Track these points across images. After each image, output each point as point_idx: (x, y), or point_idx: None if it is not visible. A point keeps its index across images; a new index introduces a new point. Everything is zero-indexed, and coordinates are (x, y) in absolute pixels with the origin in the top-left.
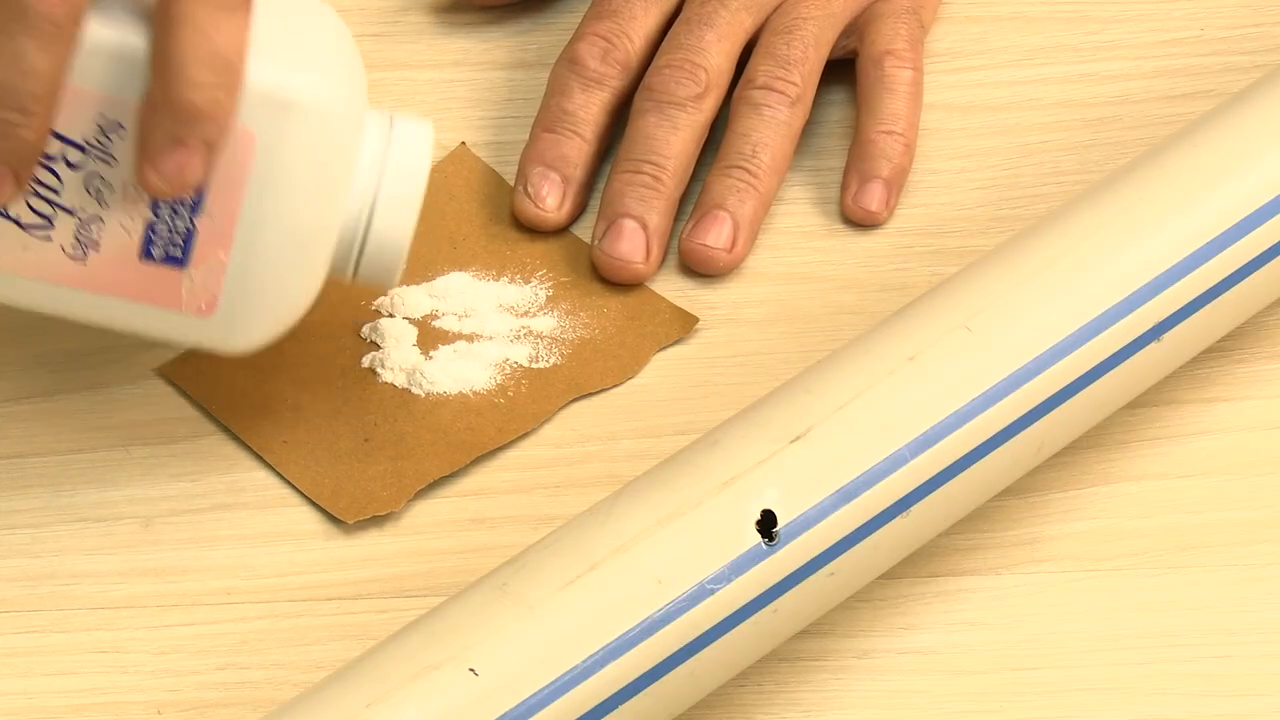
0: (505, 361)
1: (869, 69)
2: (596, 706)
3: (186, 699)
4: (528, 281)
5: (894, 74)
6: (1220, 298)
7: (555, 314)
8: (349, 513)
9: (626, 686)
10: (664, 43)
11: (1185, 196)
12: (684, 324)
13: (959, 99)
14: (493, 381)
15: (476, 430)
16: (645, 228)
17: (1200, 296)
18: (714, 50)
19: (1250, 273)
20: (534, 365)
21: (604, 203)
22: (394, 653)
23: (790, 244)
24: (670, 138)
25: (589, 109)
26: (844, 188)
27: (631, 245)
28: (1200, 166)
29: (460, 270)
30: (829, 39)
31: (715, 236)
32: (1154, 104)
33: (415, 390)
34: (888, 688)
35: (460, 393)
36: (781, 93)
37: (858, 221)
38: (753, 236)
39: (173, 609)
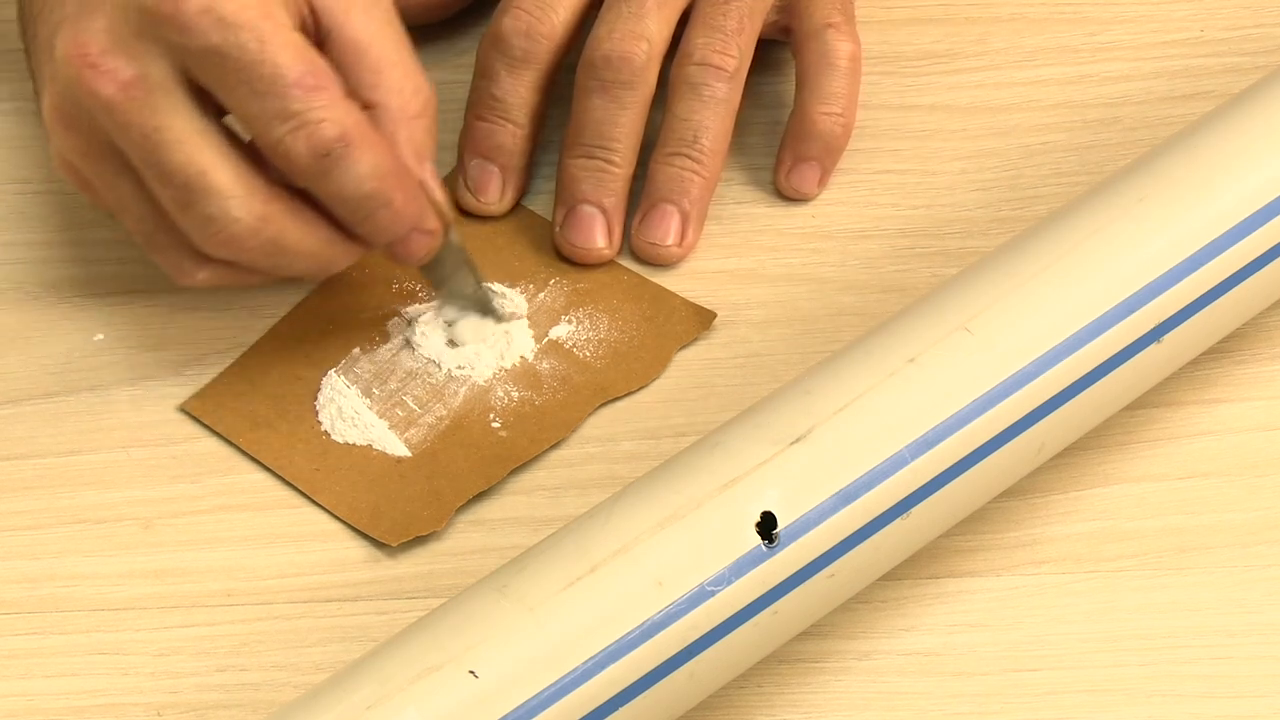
0: (529, 372)
1: (808, 42)
2: (597, 708)
3: (186, 701)
4: (541, 290)
5: (835, 47)
6: (1221, 299)
7: (573, 321)
8: (392, 535)
9: (626, 688)
10: (602, 9)
11: (1186, 198)
12: (701, 320)
13: (959, 100)
14: (519, 393)
15: (509, 443)
16: (604, 212)
17: (1201, 298)
18: (654, 18)
19: (1251, 274)
20: (558, 373)
21: (560, 188)
22: (394, 654)
23: (790, 245)
24: (619, 118)
25: (518, 93)
26: (778, 163)
27: (592, 231)
28: (1200, 168)
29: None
30: (764, 9)
31: (663, 233)
32: (1154, 105)
33: (441, 408)
34: (888, 689)
35: (487, 407)
36: (719, 68)
37: (790, 199)
38: (702, 222)
39: (172, 611)
